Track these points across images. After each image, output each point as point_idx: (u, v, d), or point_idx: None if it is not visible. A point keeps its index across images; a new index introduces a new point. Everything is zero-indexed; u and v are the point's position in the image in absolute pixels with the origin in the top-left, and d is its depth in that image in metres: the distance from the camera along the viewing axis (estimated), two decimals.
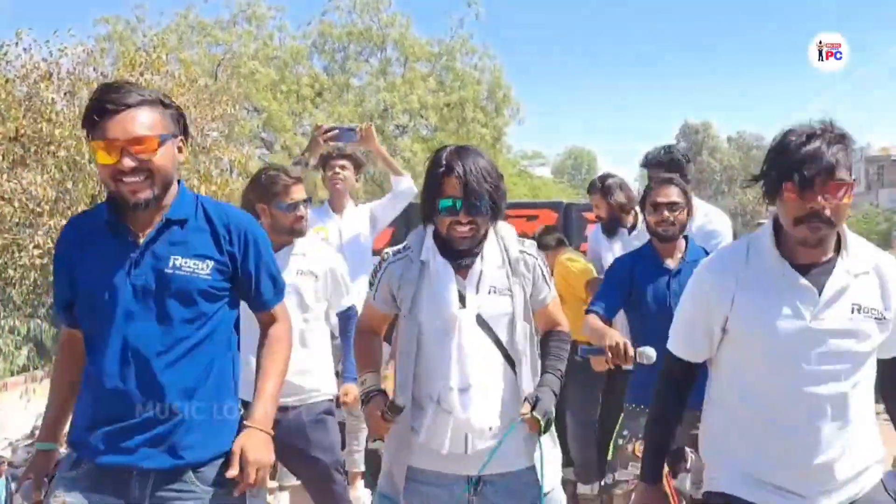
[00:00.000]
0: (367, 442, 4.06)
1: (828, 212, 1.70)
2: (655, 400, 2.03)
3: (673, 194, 2.99)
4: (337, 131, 3.86)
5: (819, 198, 1.69)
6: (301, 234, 2.94)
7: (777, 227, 1.84)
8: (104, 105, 1.72)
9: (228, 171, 12.95)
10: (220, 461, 1.86)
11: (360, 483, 3.98)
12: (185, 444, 1.80)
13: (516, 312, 2.03)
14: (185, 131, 1.87)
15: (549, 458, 2.07)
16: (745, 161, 44.16)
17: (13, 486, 8.24)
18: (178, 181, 1.88)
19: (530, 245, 2.16)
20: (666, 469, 3.47)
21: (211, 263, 1.84)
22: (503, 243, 2.10)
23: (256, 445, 1.84)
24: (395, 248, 2.17)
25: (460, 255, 2.03)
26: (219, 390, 1.88)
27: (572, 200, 6.70)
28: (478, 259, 2.04)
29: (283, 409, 2.82)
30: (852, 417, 1.79)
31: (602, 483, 3.11)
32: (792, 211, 1.73)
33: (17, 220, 10.33)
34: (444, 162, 1.99)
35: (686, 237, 3.02)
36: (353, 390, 3.07)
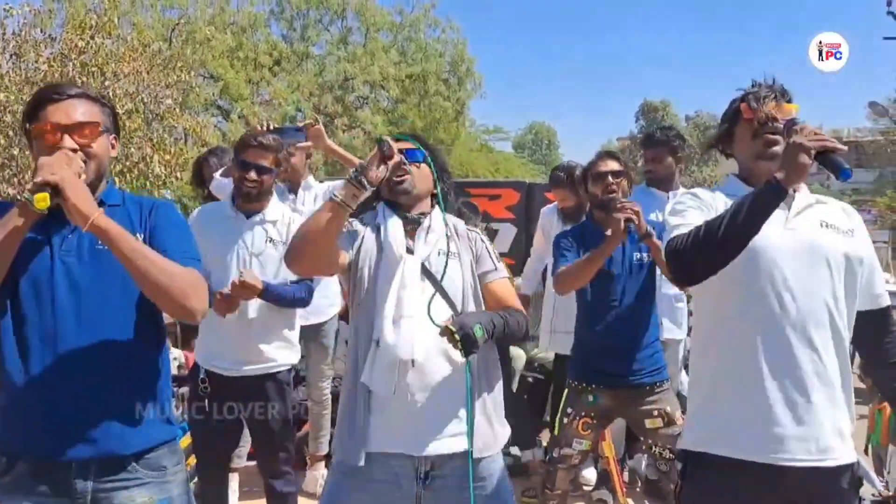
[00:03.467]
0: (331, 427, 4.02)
1: (779, 123, 1.86)
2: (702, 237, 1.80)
3: (615, 164, 3.11)
4: (282, 132, 3.58)
5: (773, 108, 1.87)
6: (246, 197, 2.98)
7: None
8: (46, 96, 1.80)
9: (183, 139, 12.60)
10: (163, 448, 1.85)
11: (321, 464, 3.95)
12: (119, 435, 1.76)
13: (465, 275, 2.11)
14: (117, 131, 1.94)
15: (481, 425, 2.04)
16: (702, 140, 44.79)
17: None
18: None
19: (482, 231, 2.28)
20: (614, 454, 3.54)
21: (139, 237, 1.82)
22: (451, 222, 2.17)
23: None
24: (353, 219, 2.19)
25: (406, 214, 2.14)
26: (150, 381, 1.86)
27: (535, 180, 6.70)
28: (426, 219, 2.15)
29: (246, 378, 2.94)
30: (831, 363, 1.80)
31: (547, 458, 3.18)
32: (749, 130, 1.91)
33: None
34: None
35: None
36: (250, 275, 2.87)
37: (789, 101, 1.93)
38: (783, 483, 1.79)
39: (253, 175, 2.94)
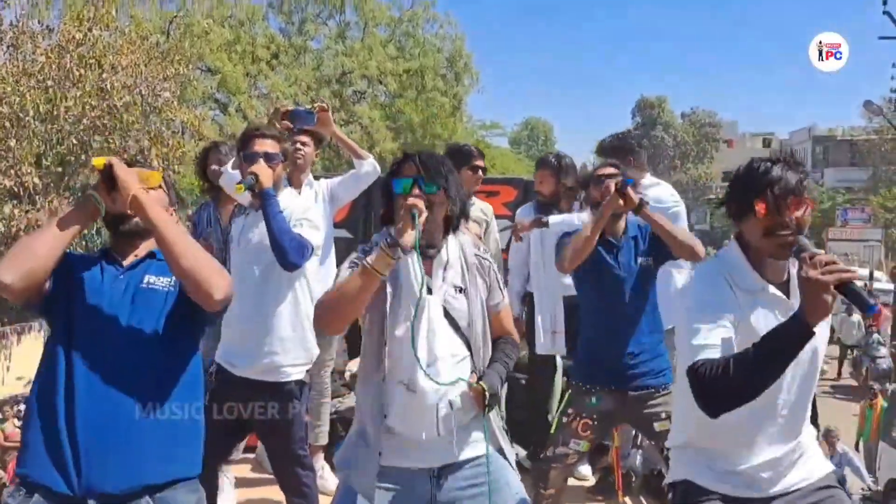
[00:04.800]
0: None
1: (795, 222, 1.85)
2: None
3: (610, 169, 3.15)
4: (294, 114, 3.59)
5: (791, 212, 1.85)
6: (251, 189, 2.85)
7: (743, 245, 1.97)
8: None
9: (180, 132, 12.59)
10: (180, 485, 1.90)
11: (320, 455, 3.97)
12: (140, 467, 1.83)
13: (473, 311, 2.12)
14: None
15: (496, 427, 2.18)
16: (698, 137, 44.86)
17: None
18: None
19: (486, 250, 2.25)
20: (616, 443, 3.57)
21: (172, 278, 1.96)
22: (462, 248, 2.17)
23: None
24: (363, 245, 2.13)
25: (423, 245, 2.02)
26: (178, 421, 1.92)
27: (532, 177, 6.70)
28: (442, 250, 2.11)
29: (254, 381, 2.83)
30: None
31: (542, 455, 3.17)
32: (761, 226, 1.88)
33: None
34: (402, 152, 2.10)
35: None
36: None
37: (808, 190, 1.89)
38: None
39: (261, 164, 2.84)
